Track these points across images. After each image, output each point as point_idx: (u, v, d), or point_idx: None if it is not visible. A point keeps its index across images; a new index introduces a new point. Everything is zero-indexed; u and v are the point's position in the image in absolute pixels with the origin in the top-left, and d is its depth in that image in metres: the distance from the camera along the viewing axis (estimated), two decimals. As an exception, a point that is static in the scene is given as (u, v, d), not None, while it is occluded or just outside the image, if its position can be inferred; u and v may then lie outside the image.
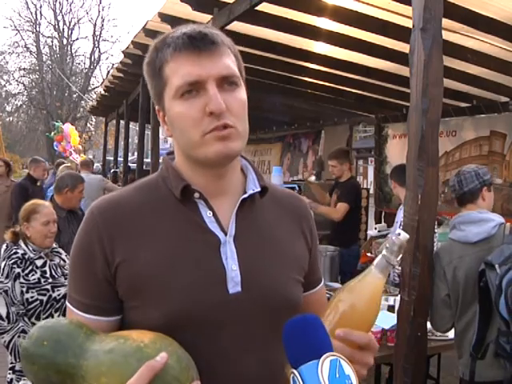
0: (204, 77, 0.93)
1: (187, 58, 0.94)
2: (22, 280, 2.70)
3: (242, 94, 0.99)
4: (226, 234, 0.99)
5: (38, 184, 6.25)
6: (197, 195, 0.99)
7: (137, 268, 0.95)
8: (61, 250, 3.00)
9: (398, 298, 2.69)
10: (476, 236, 2.41)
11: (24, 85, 28.91)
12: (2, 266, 2.72)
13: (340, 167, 4.93)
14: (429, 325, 2.49)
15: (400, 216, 4.03)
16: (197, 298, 0.94)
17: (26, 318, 2.71)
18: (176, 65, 0.95)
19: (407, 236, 0.91)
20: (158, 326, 0.91)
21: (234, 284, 0.97)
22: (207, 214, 1.00)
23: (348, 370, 0.78)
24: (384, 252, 0.91)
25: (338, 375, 0.77)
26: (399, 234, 0.91)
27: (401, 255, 0.91)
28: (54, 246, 2.98)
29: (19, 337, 2.64)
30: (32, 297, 2.71)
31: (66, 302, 1.02)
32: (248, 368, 0.97)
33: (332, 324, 0.88)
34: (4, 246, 2.84)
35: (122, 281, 0.95)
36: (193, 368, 0.88)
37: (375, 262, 0.92)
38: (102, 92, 10.79)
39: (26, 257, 2.77)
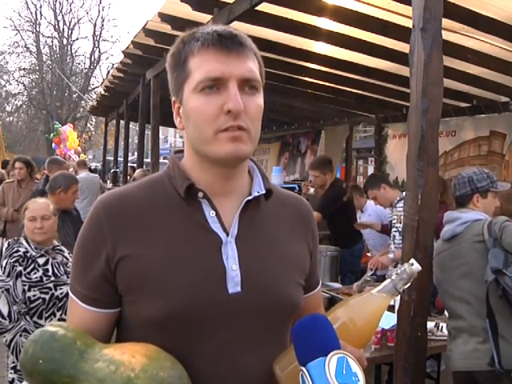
0: (227, 75, 0.94)
1: (214, 55, 0.95)
2: (23, 278, 2.68)
3: (260, 99, 1.00)
4: (228, 235, 1.00)
5: None
6: (200, 194, 1.00)
7: (137, 266, 0.96)
8: (63, 248, 2.96)
9: (398, 297, 2.69)
10: (446, 233, 2.57)
11: (24, 85, 28.85)
12: (4, 265, 2.70)
13: (323, 177, 4.82)
14: (429, 324, 2.50)
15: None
16: (195, 297, 0.94)
17: (27, 317, 2.68)
18: (201, 60, 0.96)
19: (419, 268, 0.92)
20: (155, 322, 0.93)
21: (234, 284, 0.97)
22: (210, 214, 1.00)
23: (355, 367, 0.80)
24: (393, 277, 0.93)
25: (344, 372, 0.78)
26: (412, 264, 0.92)
27: (408, 284, 0.92)
28: (57, 243, 2.96)
29: (21, 336, 2.62)
30: (34, 295, 2.69)
31: (69, 291, 1.04)
32: (247, 368, 0.97)
33: None
34: (6, 244, 2.83)
35: (122, 278, 0.97)
36: None
37: (382, 284, 0.93)
38: (102, 92, 10.78)
39: (28, 255, 2.74)
